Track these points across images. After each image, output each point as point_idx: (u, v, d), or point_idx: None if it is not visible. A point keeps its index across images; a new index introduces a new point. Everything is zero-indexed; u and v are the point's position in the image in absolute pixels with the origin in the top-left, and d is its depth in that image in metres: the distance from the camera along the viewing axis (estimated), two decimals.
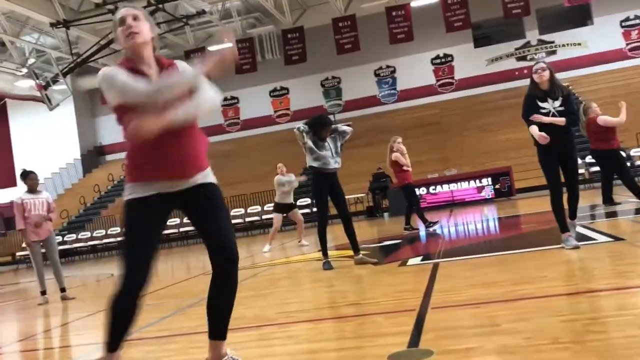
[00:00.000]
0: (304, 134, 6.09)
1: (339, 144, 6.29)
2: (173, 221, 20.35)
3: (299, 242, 10.29)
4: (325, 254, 6.20)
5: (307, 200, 19.15)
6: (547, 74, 5.14)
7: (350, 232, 6.16)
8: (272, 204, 10.62)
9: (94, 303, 6.57)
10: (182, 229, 20.03)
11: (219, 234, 2.68)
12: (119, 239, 19.56)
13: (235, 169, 23.50)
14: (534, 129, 5.06)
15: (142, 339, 3.84)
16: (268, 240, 10.40)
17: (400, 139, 9.67)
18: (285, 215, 10.50)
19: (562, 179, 5.30)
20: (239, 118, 28.45)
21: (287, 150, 24.25)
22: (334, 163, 6.16)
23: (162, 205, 2.62)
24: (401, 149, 9.56)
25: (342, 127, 6.43)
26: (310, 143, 6.07)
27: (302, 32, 22.73)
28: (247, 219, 19.56)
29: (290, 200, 10.47)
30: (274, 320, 3.92)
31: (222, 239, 2.68)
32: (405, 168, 9.54)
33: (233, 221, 19.36)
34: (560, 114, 5.07)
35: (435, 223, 9.36)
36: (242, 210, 19.81)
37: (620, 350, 2.28)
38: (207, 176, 2.70)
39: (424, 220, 9.43)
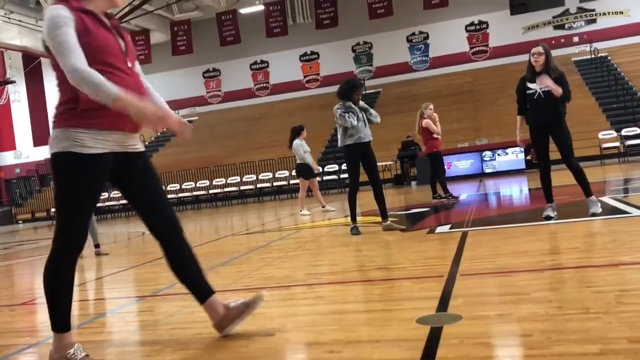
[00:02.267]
0: (345, 115, 6.05)
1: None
2: (202, 183, 20.65)
3: (323, 207, 10.23)
4: (354, 219, 6.24)
5: (335, 167, 19.17)
6: (542, 58, 5.36)
7: (379, 199, 6.19)
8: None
9: (126, 259, 6.77)
10: (211, 191, 20.32)
11: (163, 203, 2.63)
12: None
13: (264, 133, 23.62)
14: (518, 124, 5.65)
15: (176, 294, 3.95)
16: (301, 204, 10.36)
17: (431, 106, 9.56)
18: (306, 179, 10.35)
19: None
20: (268, 82, 28.40)
21: (315, 115, 24.23)
22: (368, 135, 6.15)
23: (107, 168, 2.44)
24: (433, 116, 9.47)
25: (373, 112, 6.33)
26: (351, 121, 6.01)
27: None
28: (275, 184, 19.71)
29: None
30: (303, 281, 3.99)
31: (167, 207, 2.64)
32: (435, 136, 9.46)
33: (261, 185, 19.56)
34: (546, 94, 5.30)
35: (456, 197, 9.34)
36: (270, 175, 19.96)
37: None
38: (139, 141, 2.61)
39: (446, 191, 9.44)
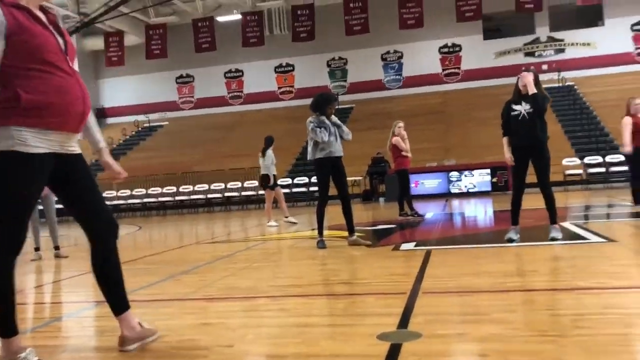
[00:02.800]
0: (317, 130, 6.08)
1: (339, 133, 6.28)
2: (169, 189, 20.42)
3: (286, 217, 10.22)
4: (320, 233, 6.25)
5: (305, 179, 19.19)
6: (528, 79, 5.48)
7: (347, 213, 6.22)
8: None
9: (86, 262, 6.61)
10: (177, 198, 20.09)
11: (102, 205, 2.63)
12: (114, 202, 19.63)
13: (235, 142, 23.50)
14: (505, 145, 5.71)
15: (136, 301, 3.88)
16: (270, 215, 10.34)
17: (402, 124, 9.68)
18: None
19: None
20: (242, 91, 28.34)
21: (288, 127, 24.24)
22: (339, 151, 6.19)
23: (49, 169, 2.41)
24: (402, 134, 9.58)
25: (345, 129, 6.35)
26: (322, 136, 6.04)
27: (312, 10, 22.52)
28: (244, 193, 19.60)
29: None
30: (267, 292, 3.97)
31: (106, 209, 2.64)
32: (404, 153, 9.57)
33: (228, 194, 19.41)
34: (530, 115, 5.44)
35: (421, 216, 9.44)
36: (238, 184, 19.84)
37: (605, 347, 2.33)
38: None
39: (411, 209, 9.61)
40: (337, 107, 6.34)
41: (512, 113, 5.56)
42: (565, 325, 2.68)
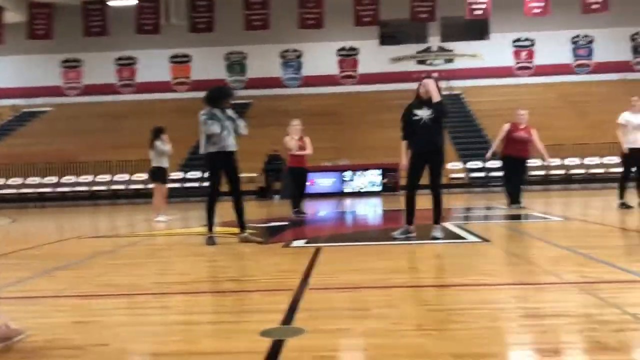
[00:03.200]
0: (209, 122, 5.91)
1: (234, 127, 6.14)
2: (50, 179, 19.15)
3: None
4: (210, 229, 6.12)
5: (198, 174, 18.77)
6: (429, 87, 5.72)
7: (239, 209, 6.13)
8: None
9: None
10: (58, 189, 18.88)
11: None
12: None
13: (124, 132, 22.45)
14: (403, 149, 5.90)
15: (3, 298, 3.58)
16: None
17: (295, 122, 9.63)
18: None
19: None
20: (134, 80, 27.16)
21: (183, 119, 23.55)
22: (233, 145, 6.06)
23: None
24: (292, 132, 9.49)
25: (241, 123, 6.23)
26: (214, 128, 5.88)
27: (211, 0, 22.08)
28: (132, 187, 18.80)
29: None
30: (149, 289, 3.81)
31: None
32: (295, 152, 9.61)
33: (115, 187, 18.52)
34: (431, 120, 5.68)
35: (303, 214, 9.50)
36: (126, 177, 19.00)
37: (474, 340, 2.47)
38: None
39: (295, 206, 9.52)
40: (234, 102, 6.20)
41: (414, 118, 5.71)
42: (442, 319, 2.81)
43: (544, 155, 9.49)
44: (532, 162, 18.26)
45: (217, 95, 6.14)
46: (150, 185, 13.24)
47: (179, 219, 10.39)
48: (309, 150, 9.50)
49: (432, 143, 5.70)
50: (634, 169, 8.84)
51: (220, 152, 5.98)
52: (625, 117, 8.77)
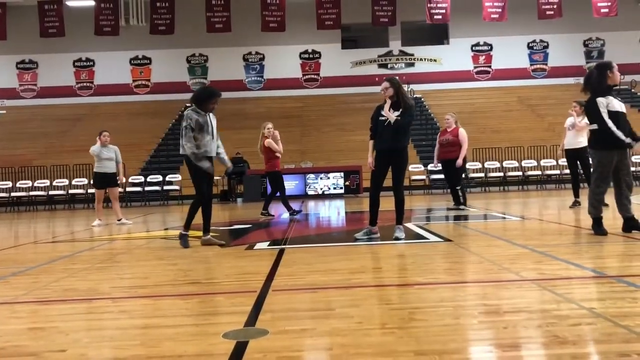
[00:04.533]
0: (190, 129, 5.87)
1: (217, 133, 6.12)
2: (4, 184, 18.55)
3: (119, 220, 9.72)
4: (186, 228, 6.05)
5: (159, 177, 18.50)
6: (390, 91, 5.85)
7: (207, 213, 6.08)
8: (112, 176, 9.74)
9: None
10: (13, 194, 18.30)
11: None
12: None
13: (82, 135, 21.89)
14: (370, 148, 5.97)
15: None
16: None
17: (270, 125, 9.70)
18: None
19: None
20: (92, 82, 26.57)
21: (143, 122, 23.19)
22: (213, 151, 6.04)
23: None
24: (275, 135, 9.63)
25: (220, 145, 6.26)
26: (195, 133, 5.85)
27: (172, 3, 21.77)
28: (90, 191, 18.33)
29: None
30: (108, 294, 3.73)
31: None
32: (277, 154, 9.67)
33: (73, 192, 18.06)
34: (396, 122, 5.77)
35: (299, 212, 9.69)
36: (84, 181, 18.53)
37: (436, 337, 2.50)
38: None
39: (289, 208, 9.72)
40: (217, 102, 6.08)
41: (380, 118, 5.85)
42: (403, 317, 2.84)
43: (459, 158, 9.67)
44: (491, 164, 18.67)
45: (205, 96, 6.08)
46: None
47: (140, 223, 10.21)
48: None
49: (395, 142, 5.79)
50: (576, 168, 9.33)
51: (207, 157, 6.00)
52: (570, 121, 9.27)
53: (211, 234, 6.18)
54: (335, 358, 2.28)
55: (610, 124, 5.44)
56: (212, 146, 6.03)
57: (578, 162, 9.28)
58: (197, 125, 5.89)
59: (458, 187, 9.79)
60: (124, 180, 9.87)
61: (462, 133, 9.74)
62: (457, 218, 8.45)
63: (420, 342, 2.43)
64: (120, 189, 10.80)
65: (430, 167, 17.64)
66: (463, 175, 10.57)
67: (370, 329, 2.65)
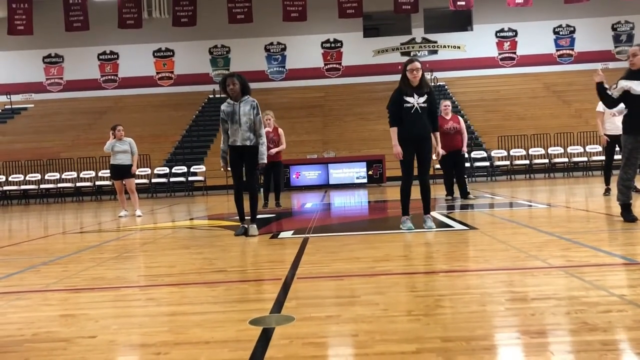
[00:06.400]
0: (223, 122, 6.08)
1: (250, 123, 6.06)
2: (33, 176, 18.92)
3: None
4: (241, 219, 6.21)
5: (184, 169, 18.67)
6: (419, 73, 5.63)
7: (250, 203, 6.17)
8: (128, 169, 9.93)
9: None
10: (42, 186, 18.66)
11: None
12: None
13: (108, 128, 22.23)
14: (394, 135, 5.69)
15: None
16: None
17: (268, 114, 9.58)
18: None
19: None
20: (117, 75, 26.88)
21: (167, 114, 23.40)
22: (242, 140, 5.98)
23: None
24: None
25: (262, 137, 6.12)
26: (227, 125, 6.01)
27: None
28: None
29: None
30: (136, 282, 3.79)
31: None
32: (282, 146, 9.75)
33: (100, 183, 18.33)
34: (422, 109, 5.62)
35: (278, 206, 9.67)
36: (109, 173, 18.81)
37: (463, 324, 2.48)
38: None
39: (267, 199, 9.70)
40: (233, 80, 6.01)
41: (405, 105, 5.59)
42: (429, 305, 2.82)
43: (464, 146, 9.46)
44: (517, 152, 18.41)
45: (220, 83, 6.23)
46: (139, 181, 13.19)
47: (166, 213, 10.33)
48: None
49: (422, 129, 5.62)
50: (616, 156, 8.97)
51: (231, 147, 6.06)
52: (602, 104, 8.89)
53: (253, 225, 6.14)
54: (361, 344, 2.28)
55: (600, 106, 5.35)
56: (239, 135, 6.01)
57: (617, 148, 8.94)
58: (227, 115, 6.03)
59: (465, 177, 9.66)
60: (136, 171, 10.05)
61: (461, 120, 9.60)
62: (481, 207, 8.37)
63: (446, 329, 2.42)
64: (137, 180, 10.89)
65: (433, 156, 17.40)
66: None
67: (395, 316, 2.64)
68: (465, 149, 9.36)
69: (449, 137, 9.29)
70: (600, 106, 8.89)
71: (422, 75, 5.68)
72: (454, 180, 9.74)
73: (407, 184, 5.85)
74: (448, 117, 9.50)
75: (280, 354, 2.18)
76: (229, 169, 6.18)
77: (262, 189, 9.71)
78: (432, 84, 24.32)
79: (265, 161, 6.18)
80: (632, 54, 5.52)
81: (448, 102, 9.79)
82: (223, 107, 6.08)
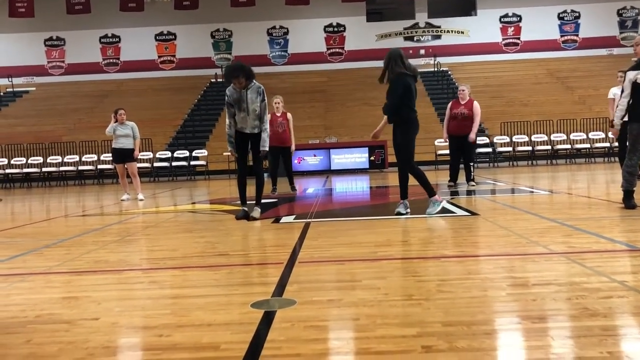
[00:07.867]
0: (229, 105, 6.07)
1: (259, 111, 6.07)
2: (36, 159, 18.94)
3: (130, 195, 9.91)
4: (243, 203, 6.27)
5: (185, 153, 18.67)
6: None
7: (256, 186, 6.29)
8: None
9: None
10: (44, 169, 18.68)
11: None
12: None
13: (110, 111, 22.20)
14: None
15: None
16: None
17: (277, 99, 9.72)
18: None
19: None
20: (119, 58, 26.78)
21: (169, 98, 23.34)
22: (250, 127, 6.02)
23: None
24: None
25: (266, 123, 6.16)
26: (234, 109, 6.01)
27: None
28: None
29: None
30: (138, 265, 3.81)
31: None
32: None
33: (102, 167, 18.35)
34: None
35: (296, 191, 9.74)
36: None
37: (464, 308, 2.49)
38: None
39: (274, 183, 9.65)
40: (238, 78, 5.98)
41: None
42: (430, 289, 2.83)
43: (472, 133, 9.34)
44: (519, 138, 18.36)
45: (225, 74, 6.26)
46: (140, 165, 13.22)
47: (168, 197, 10.35)
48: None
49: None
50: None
51: (238, 132, 6.10)
52: (613, 91, 8.80)
53: (257, 209, 6.21)
54: (362, 328, 2.29)
55: (611, 93, 5.43)
56: (247, 123, 6.03)
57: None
58: (234, 101, 6.01)
59: (472, 164, 9.60)
60: (138, 155, 10.07)
61: (477, 106, 9.26)
62: (483, 192, 8.37)
63: (447, 313, 2.43)
64: (139, 164, 10.91)
65: (437, 142, 17.34)
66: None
67: (396, 300, 2.65)
68: (472, 135, 9.22)
69: (457, 122, 9.26)
70: (611, 93, 8.83)
71: (385, 66, 6.15)
72: (459, 166, 9.68)
73: (416, 171, 5.91)
74: (463, 102, 9.34)
75: (282, 336, 2.20)
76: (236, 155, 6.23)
77: (268, 174, 9.75)
78: (435, 69, 24.20)
79: (267, 148, 6.18)
80: (636, 43, 5.52)
81: (463, 87, 9.52)
82: (228, 91, 6.05)
